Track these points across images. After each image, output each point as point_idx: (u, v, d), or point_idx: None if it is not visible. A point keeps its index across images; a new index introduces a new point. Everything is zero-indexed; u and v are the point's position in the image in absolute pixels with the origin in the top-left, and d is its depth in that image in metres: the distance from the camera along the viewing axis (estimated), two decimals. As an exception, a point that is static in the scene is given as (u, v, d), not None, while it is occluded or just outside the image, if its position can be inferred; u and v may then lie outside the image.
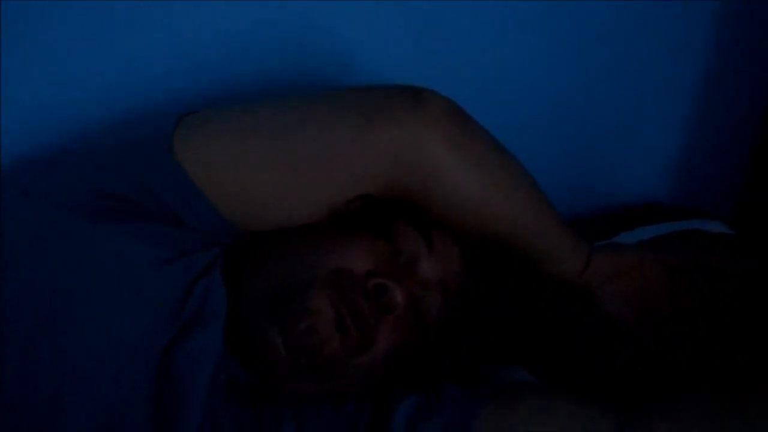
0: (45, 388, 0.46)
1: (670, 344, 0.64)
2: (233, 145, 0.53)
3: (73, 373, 0.47)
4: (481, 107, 0.70)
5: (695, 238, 0.86)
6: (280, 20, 0.72)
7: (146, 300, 0.49)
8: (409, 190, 0.55)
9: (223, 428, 0.50)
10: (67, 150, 0.66)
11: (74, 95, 0.68)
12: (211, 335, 0.51)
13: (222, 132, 0.54)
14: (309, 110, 0.55)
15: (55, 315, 0.47)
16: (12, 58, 0.65)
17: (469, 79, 0.79)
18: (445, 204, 0.56)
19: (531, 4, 0.79)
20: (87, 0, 0.65)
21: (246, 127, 0.54)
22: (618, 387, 0.59)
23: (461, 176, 0.55)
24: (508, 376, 0.63)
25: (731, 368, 0.61)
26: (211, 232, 0.54)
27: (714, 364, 0.62)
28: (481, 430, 0.53)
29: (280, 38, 0.73)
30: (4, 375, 0.46)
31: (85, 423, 0.47)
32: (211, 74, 0.71)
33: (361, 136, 0.53)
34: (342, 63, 0.75)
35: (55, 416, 0.46)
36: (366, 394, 0.55)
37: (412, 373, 0.57)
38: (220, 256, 0.54)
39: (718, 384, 0.57)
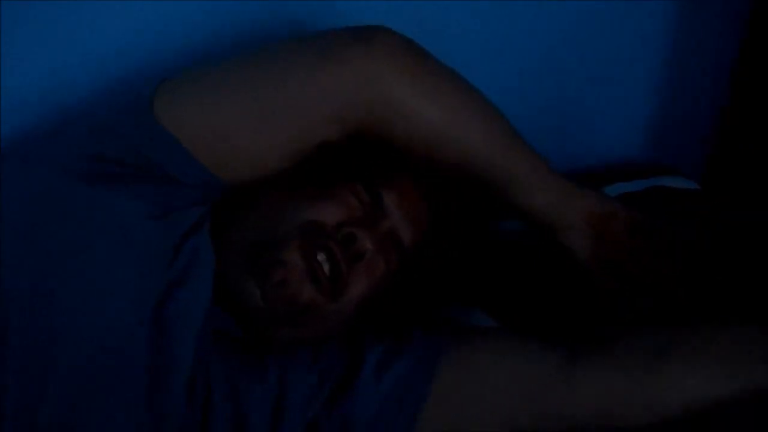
0: (46, 336, 0.51)
1: (631, 300, 0.66)
2: (207, 99, 0.57)
3: (73, 320, 0.52)
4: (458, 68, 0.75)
5: (662, 194, 0.91)
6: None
7: (139, 253, 0.54)
8: (372, 127, 0.58)
9: (212, 376, 0.56)
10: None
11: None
12: (201, 287, 0.56)
13: (196, 88, 0.58)
14: (272, 57, 0.59)
15: (54, 268, 0.52)
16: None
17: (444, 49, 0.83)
18: (407, 136, 0.58)
19: None
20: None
21: (217, 80, 0.58)
22: (570, 329, 0.65)
23: (418, 105, 0.57)
24: (470, 319, 0.69)
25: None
26: (203, 189, 0.59)
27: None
28: (446, 364, 0.59)
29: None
30: (10, 328, 0.51)
31: (86, 364, 0.52)
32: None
33: (315, 77, 0.56)
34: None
35: (55, 359, 0.51)
36: (342, 341, 0.61)
37: (381, 318, 0.63)
38: (208, 213, 0.59)
39: (662, 326, 0.63)
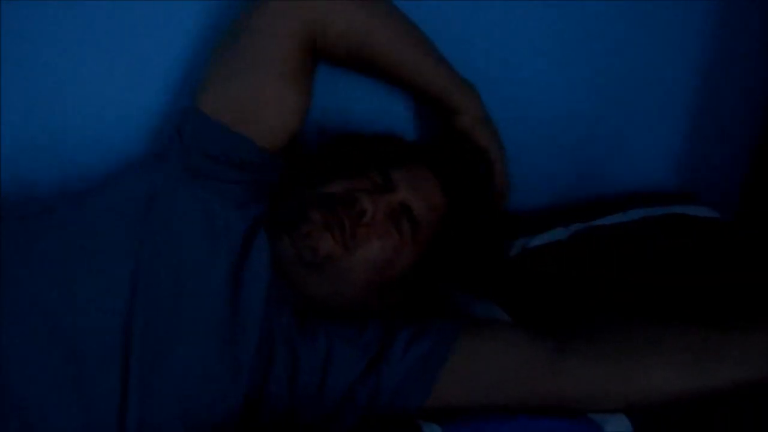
0: (168, 296, 0.72)
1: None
2: (221, 76, 0.80)
3: (178, 283, 0.72)
4: (497, 101, 0.91)
5: (678, 221, 1.02)
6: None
7: (220, 235, 0.75)
8: (326, 45, 0.81)
9: (274, 333, 0.73)
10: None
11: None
12: (263, 261, 0.76)
13: (215, 72, 0.81)
14: (239, 25, 0.81)
15: (161, 248, 0.73)
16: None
17: (486, 77, 0.94)
18: (347, 45, 0.82)
19: (535, 7, 0.95)
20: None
21: (218, 65, 0.81)
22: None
23: (348, 16, 0.81)
24: (481, 309, 0.85)
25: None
26: (258, 164, 0.80)
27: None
28: (458, 347, 0.73)
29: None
30: (138, 289, 0.71)
31: (186, 316, 0.72)
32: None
33: (264, 23, 0.79)
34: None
35: (170, 309, 0.71)
36: (380, 325, 0.77)
37: (411, 305, 0.79)
38: (265, 209, 0.81)
39: (643, 322, 0.76)
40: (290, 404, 0.72)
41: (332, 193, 0.78)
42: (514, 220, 1.00)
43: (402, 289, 0.81)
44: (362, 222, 0.76)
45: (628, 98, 1.06)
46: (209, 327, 0.71)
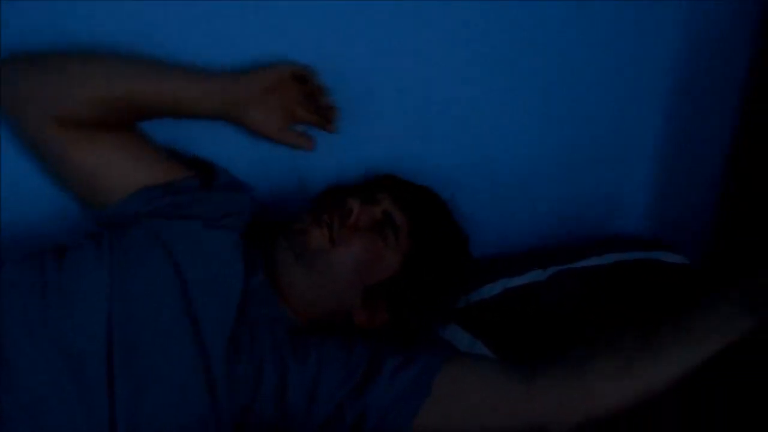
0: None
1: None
2: None
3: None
4: (480, 150, 0.97)
5: (650, 265, 1.09)
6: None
7: (226, 263, 0.84)
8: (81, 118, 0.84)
9: (264, 351, 0.78)
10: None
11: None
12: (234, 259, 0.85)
13: None
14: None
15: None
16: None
17: (470, 131, 1.03)
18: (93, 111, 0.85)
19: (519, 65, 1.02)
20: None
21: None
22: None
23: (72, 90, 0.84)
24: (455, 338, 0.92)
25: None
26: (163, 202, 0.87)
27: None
28: (442, 375, 0.78)
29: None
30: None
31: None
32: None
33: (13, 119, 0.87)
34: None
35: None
36: (367, 349, 0.81)
37: (391, 326, 0.86)
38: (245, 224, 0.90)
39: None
40: (278, 422, 0.76)
41: (322, 199, 0.88)
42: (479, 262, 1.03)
43: (385, 301, 0.87)
44: (350, 221, 0.85)
45: (602, 149, 1.14)
46: (176, 349, 0.77)
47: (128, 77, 0.86)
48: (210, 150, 0.97)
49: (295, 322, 0.85)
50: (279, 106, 0.91)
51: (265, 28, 0.92)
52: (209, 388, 0.76)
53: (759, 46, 1.07)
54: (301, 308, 0.86)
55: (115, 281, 0.79)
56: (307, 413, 0.76)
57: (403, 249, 0.87)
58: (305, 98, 0.91)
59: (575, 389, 0.76)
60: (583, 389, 0.76)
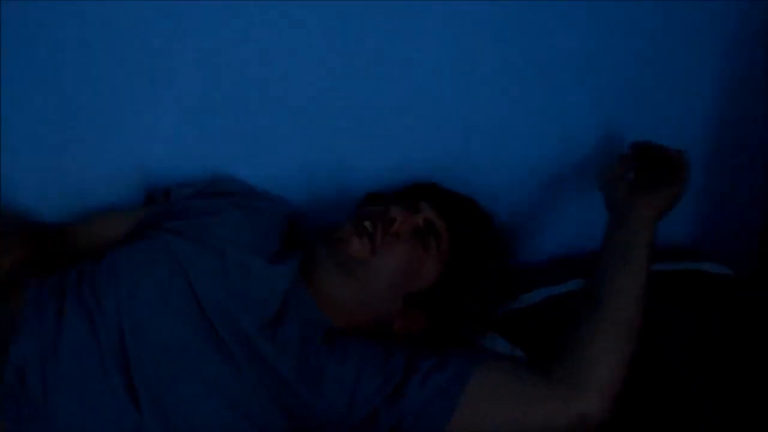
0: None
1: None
2: None
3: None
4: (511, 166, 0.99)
5: (694, 275, 1.08)
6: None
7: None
8: None
9: (308, 356, 0.80)
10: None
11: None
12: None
13: None
14: None
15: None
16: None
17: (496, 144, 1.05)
18: None
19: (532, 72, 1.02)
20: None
21: None
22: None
23: None
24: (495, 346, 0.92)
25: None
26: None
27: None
28: (474, 379, 0.78)
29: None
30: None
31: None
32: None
33: None
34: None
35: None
36: (403, 353, 0.81)
37: (429, 332, 0.87)
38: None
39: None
40: (319, 423, 0.78)
41: (363, 207, 0.90)
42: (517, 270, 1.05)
43: (424, 310, 0.88)
44: (392, 229, 0.85)
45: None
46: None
47: None
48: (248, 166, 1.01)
49: (332, 326, 0.86)
50: None
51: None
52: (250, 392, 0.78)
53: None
54: (341, 314, 0.86)
55: (122, 293, 0.82)
56: (348, 414, 0.78)
57: (443, 257, 0.88)
58: None
59: (581, 363, 0.77)
60: (584, 360, 0.77)
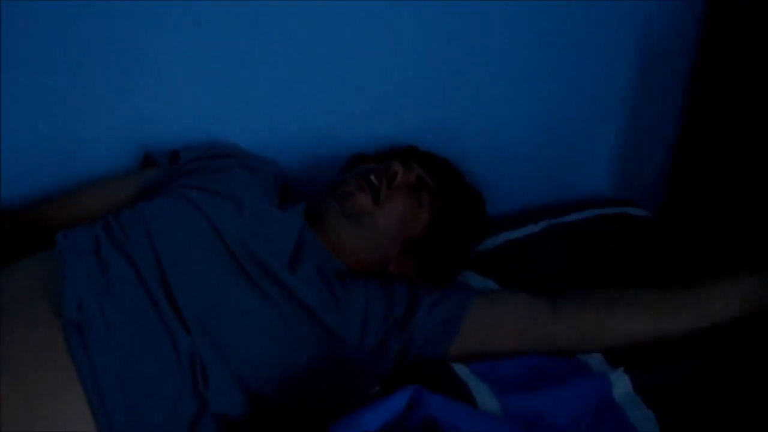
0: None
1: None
2: None
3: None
4: (475, 132, 1.17)
5: (621, 218, 1.32)
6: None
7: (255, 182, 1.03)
8: None
9: (334, 289, 0.92)
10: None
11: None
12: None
13: None
14: None
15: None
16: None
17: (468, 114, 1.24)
18: None
19: (518, 69, 1.24)
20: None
21: None
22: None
23: None
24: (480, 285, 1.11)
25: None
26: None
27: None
28: (473, 308, 0.94)
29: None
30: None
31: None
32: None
33: None
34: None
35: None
36: (406, 290, 0.95)
37: (429, 271, 1.02)
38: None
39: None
40: (342, 350, 0.90)
41: (367, 166, 1.02)
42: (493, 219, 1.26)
43: (416, 254, 1.01)
44: (394, 182, 0.99)
45: (575, 125, 1.36)
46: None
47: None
48: (243, 130, 1.14)
49: (340, 267, 0.97)
50: None
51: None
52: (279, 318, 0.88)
53: (702, 35, 1.31)
54: (348, 257, 0.98)
55: (156, 239, 0.88)
56: (361, 340, 0.89)
57: (432, 208, 1.03)
58: None
59: (603, 321, 0.92)
60: (610, 322, 0.91)
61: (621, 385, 0.88)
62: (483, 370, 0.89)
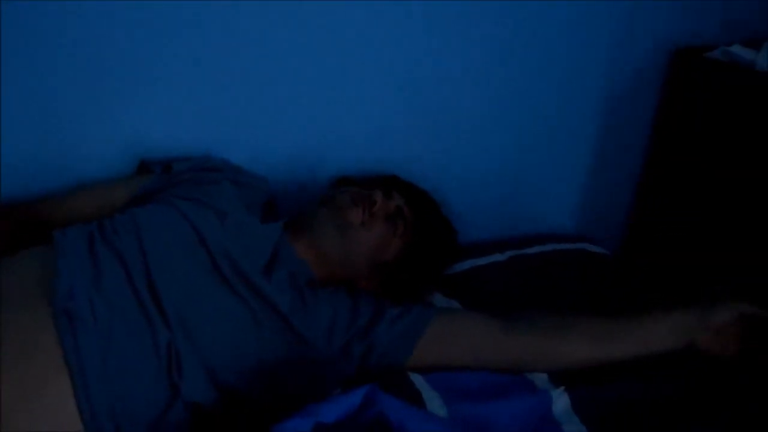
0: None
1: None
2: None
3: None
4: (452, 162, 1.26)
5: (580, 254, 1.41)
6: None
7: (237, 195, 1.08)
8: None
9: (304, 296, 0.98)
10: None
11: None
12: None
13: None
14: None
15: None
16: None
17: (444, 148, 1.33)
18: None
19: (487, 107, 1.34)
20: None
21: None
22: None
23: None
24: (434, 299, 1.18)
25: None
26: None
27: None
28: (434, 322, 1.00)
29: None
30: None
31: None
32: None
33: None
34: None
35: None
36: (372, 301, 1.02)
37: (398, 292, 1.09)
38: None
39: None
40: (310, 354, 0.95)
41: (354, 189, 1.10)
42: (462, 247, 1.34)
43: (385, 275, 1.08)
44: (373, 210, 1.05)
45: (540, 166, 1.46)
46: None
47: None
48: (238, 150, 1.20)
49: (313, 277, 1.03)
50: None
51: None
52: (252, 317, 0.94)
53: (664, 80, 1.42)
54: (322, 267, 1.04)
55: (145, 241, 0.94)
56: (328, 346, 0.96)
57: (406, 238, 1.09)
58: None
59: (552, 344, 0.99)
60: (559, 346, 0.99)
61: (561, 402, 0.96)
62: (436, 380, 0.97)
